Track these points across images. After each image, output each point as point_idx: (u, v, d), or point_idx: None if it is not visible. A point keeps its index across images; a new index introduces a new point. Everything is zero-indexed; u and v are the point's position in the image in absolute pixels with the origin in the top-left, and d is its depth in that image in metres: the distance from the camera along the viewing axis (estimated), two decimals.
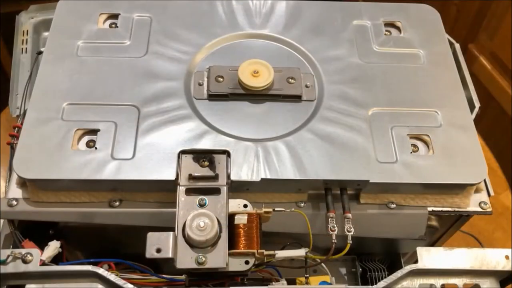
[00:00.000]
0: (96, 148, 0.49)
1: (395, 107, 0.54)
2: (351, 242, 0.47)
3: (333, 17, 0.62)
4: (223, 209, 0.44)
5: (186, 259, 0.42)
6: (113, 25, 0.59)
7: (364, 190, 0.49)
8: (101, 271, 0.43)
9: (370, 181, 0.48)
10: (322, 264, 0.50)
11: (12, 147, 0.50)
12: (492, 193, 0.52)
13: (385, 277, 0.46)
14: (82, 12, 0.59)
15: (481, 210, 0.51)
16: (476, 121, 0.54)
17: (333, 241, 0.47)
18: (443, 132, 0.52)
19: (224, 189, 0.46)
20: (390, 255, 0.60)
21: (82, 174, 0.47)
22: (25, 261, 0.43)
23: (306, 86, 0.55)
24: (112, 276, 0.43)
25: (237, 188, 0.48)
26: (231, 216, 0.44)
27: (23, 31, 0.62)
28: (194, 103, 0.53)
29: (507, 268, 0.46)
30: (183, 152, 0.48)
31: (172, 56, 0.56)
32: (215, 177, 0.46)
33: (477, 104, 0.56)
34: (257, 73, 0.53)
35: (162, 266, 0.49)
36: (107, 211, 0.48)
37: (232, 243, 0.43)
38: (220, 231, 0.42)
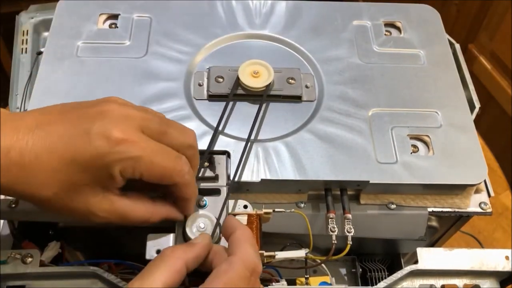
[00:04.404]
0: None
1: (395, 107, 0.54)
2: (351, 242, 0.47)
3: (333, 17, 0.62)
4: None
5: None
6: (113, 26, 0.58)
7: (364, 191, 0.49)
8: (101, 271, 0.43)
9: (370, 181, 0.48)
10: (322, 265, 0.50)
11: None
12: (492, 194, 0.51)
13: (385, 278, 0.46)
14: (82, 12, 0.59)
15: (481, 210, 0.51)
16: (476, 121, 0.54)
17: (333, 241, 0.47)
18: (443, 133, 0.52)
19: (224, 190, 0.46)
20: (390, 255, 0.60)
21: None
22: (25, 262, 0.43)
23: (306, 87, 0.55)
24: (112, 277, 0.43)
25: (237, 189, 0.48)
26: None
27: (23, 31, 0.62)
28: (194, 104, 0.53)
29: (507, 268, 0.46)
30: None
31: (172, 56, 0.56)
32: (215, 178, 0.46)
33: (477, 104, 0.56)
34: (257, 74, 0.53)
35: None
36: None
37: None
38: (220, 232, 0.42)
